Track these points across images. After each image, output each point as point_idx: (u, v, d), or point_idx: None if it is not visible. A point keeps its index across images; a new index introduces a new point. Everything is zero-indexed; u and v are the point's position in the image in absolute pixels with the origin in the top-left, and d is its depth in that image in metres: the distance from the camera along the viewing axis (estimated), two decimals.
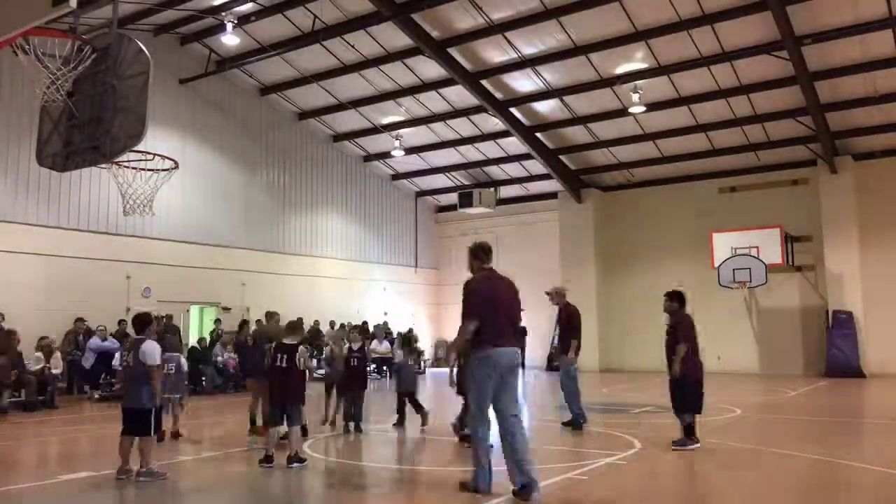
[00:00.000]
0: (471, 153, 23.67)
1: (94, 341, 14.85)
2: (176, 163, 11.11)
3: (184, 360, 9.75)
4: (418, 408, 10.26)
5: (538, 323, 25.11)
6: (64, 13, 6.22)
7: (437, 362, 26.53)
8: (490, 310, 6.11)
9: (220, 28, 16.92)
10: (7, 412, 12.13)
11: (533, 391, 17.55)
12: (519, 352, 6.26)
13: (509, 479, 5.87)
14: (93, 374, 14.66)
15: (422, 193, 26.92)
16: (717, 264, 20.55)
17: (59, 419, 11.93)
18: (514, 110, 20.46)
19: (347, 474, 7.49)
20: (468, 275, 6.47)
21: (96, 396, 14.36)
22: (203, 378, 15.88)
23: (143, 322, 7.14)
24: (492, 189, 24.99)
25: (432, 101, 20.70)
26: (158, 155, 10.84)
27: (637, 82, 18.08)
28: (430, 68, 18.75)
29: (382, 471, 7.68)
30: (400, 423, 10.23)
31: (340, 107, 21.47)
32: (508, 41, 17.38)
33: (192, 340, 17.41)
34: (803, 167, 20.87)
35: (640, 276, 23.34)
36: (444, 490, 6.35)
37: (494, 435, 6.25)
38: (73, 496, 6.43)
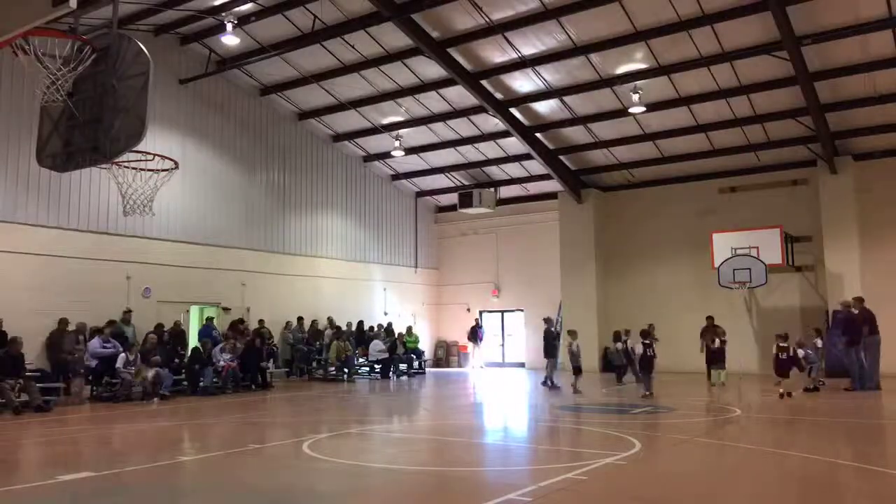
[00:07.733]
0: (471, 153, 23.67)
1: (95, 344, 14.77)
2: (176, 163, 11.12)
3: None
4: None
5: (536, 321, 25.25)
6: (64, 13, 6.23)
7: (437, 362, 26.58)
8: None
9: (220, 28, 16.91)
10: (4, 411, 12.14)
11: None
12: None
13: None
14: (95, 374, 14.58)
15: (422, 194, 26.91)
16: (717, 264, 20.53)
17: (58, 419, 11.91)
18: (513, 110, 20.45)
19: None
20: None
21: (99, 391, 14.40)
22: (202, 379, 15.87)
23: None
24: (492, 189, 24.98)
25: (432, 102, 20.69)
26: (158, 155, 10.85)
27: (637, 82, 18.08)
28: (430, 68, 18.75)
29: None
30: None
31: (340, 107, 21.46)
32: (508, 41, 17.38)
33: (193, 341, 17.40)
34: (803, 167, 20.87)
35: (641, 276, 23.37)
36: None
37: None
38: (73, 496, 6.42)
